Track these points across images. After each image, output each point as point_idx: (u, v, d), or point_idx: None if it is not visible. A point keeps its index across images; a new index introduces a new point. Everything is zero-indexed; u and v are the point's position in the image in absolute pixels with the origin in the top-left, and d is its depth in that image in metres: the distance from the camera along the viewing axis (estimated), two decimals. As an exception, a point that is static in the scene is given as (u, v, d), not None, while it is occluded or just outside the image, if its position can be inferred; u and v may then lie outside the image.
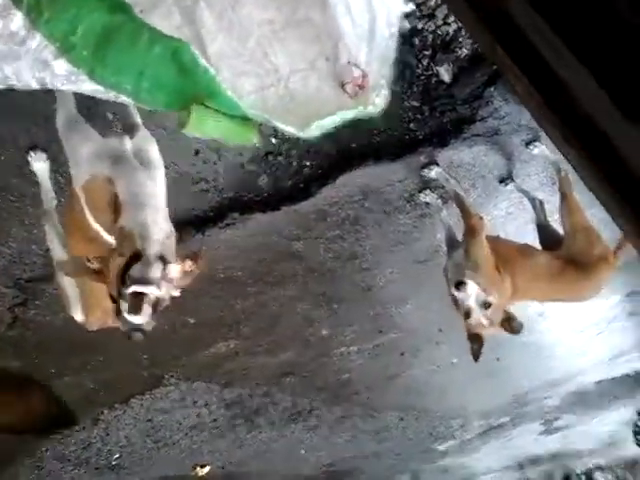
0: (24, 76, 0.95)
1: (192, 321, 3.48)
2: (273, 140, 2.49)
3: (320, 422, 5.02)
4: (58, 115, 1.53)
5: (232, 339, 3.70)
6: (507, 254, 2.59)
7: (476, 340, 2.47)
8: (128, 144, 1.45)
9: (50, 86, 0.96)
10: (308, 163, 2.69)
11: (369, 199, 2.92)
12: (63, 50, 0.92)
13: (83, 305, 1.78)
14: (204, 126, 1.08)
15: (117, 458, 4.44)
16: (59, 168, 2.18)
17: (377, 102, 1.19)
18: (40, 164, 2.07)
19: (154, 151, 1.53)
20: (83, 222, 1.51)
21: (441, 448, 6.60)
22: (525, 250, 2.69)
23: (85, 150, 1.40)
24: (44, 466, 4.11)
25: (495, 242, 2.65)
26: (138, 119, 1.58)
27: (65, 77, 0.96)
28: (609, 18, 1.07)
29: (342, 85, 1.18)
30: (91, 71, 0.95)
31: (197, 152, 2.47)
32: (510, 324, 2.37)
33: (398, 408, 5.42)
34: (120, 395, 3.90)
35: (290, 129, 1.07)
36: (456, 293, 2.36)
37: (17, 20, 0.90)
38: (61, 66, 0.94)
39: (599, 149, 1.02)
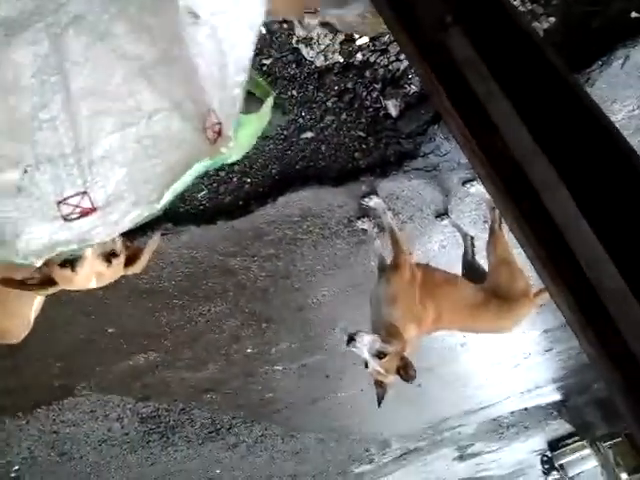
0: None
1: (111, 330, 3.31)
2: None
3: (239, 441, 4.90)
4: None
5: (152, 351, 3.55)
6: (435, 282, 2.65)
7: (380, 386, 2.50)
8: None
9: None
10: (249, 180, 2.65)
11: (307, 221, 2.90)
12: None
13: None
14: None
15: (16, 470, 4.13)
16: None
17: (225, 154, 1.08)
18: None
19: None
20: None
21: (357, 471, 6.62)
22: (453, 280, 2.76)
23: None
24: None
25: (424, 270, 2.70)
26: None
27: None
28: (545, 69, 1.11)
29: (204, 130, 1.09)
30: None
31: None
32: (406, 371, 2.38)
33: (318, 429, 5.40)
34: (25, 404, 3.64)
35: (141, 211, 1.01)
36: (349, 347, 2.38)
37: None
38: None
39: (522, 193, 1.05)
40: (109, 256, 1.31)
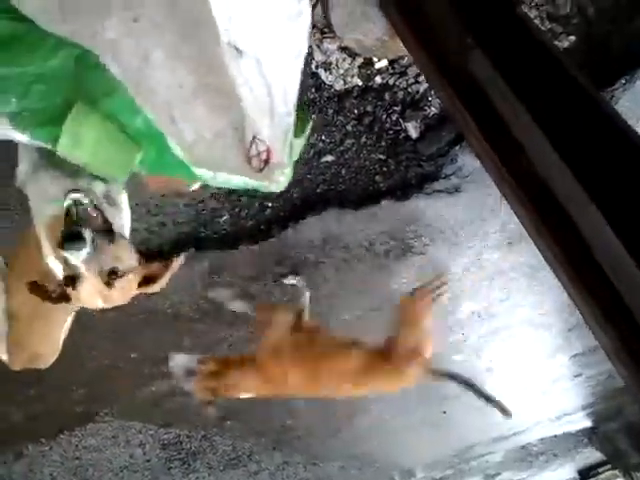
0: None
1: (133, 356, 3.32)
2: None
3: (260, 468, 4.83)
4: (21, 164, 1.47)
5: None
6: (323, 348, 2.46)
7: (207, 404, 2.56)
8: (98, 186, 1.41)
9: None
10: (270, 205, 2.66)
11: (329, 245, 2.89)
12: None
13: (9, 345, 1.66)
14: (81, 131, 0.93)
15: (38, 497, 4.13)
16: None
17: (281, 180, 1.11)
18: None
19: (123, 198, 1.51)
20: (36, 262, 1.44)
21: (381, 500, 6.45)
22: (342, 347, 2.47)
23: (54, 189, 1.33)
24: (-46, 503, 3.78)
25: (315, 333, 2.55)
26: None
27: None
28: (568, 85, 1.09)
29: (248, 159, 1.10)
30: None
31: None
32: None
33: (341, 457, 5.30)
34: (48, 430, 3.65)
35: (200, 171, 1.00)
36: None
37: None
38: None
39: (552, 213, 1.03)
40: (110, 276, 1.26)
